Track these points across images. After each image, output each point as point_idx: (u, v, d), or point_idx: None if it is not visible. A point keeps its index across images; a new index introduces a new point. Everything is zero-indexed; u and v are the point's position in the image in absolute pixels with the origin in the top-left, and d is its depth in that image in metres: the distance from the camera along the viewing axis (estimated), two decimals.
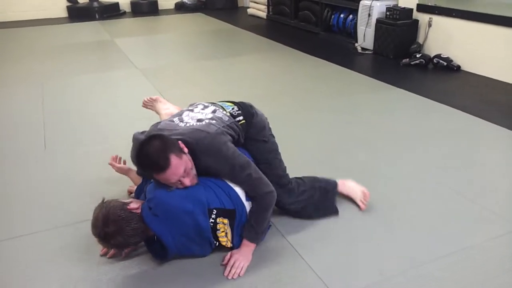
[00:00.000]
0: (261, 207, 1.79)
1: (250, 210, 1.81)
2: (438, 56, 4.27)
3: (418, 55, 4.35)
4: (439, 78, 4.04)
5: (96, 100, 3.65)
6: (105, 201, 1.71)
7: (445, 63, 4.20)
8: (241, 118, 1.96)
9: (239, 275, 1.69)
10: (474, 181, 2.31)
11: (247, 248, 1.78)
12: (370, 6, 4.75)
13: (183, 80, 4.10)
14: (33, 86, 3.97)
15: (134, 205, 1.69)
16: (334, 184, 2.10)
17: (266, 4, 7.13)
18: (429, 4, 4.45)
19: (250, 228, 1.78)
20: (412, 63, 4.33)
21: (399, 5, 4.65)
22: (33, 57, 5.03)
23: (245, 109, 2.01)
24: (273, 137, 2.07)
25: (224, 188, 1.77)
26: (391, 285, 1.62)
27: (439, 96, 3.50)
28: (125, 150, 2.70)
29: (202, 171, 1.77)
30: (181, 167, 1.65)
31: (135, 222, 1.65)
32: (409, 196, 2.18)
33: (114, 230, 1.61)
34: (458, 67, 4.17)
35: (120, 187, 2.32)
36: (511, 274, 1.67)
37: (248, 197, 1.81)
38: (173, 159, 1.62)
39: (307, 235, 1.90)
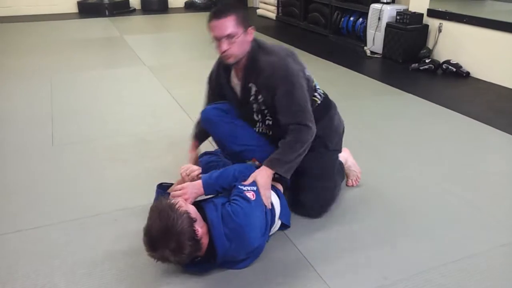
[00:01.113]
0: (294, 139, 1.81)
1: (280, 142, 1.83)
2: (447, 62, 4.25)
3: (427, 60, 4.33)
4: (448, 84, 4.02)
5: (104, 96, 3.66)
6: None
7: (454, 69, 4.18)
8: (318, 95, 1.99)
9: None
10: (481, 188, 2.30)
11: (265, 172, 1.78)
12: (381, 10, 4.74)
13: (191, 79, 4.11)
14: (42, 80, 3.99)
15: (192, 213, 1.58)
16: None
17: (276, 5, 7.13)
18: (440, 9, 4.43)
19: (274, 156, 1.81)
20: (421, 68, 4.31)
21: (409, 9, 4.63)
22: (42, 52, 5.05)
23: (326, 98, 2.05)
24: (337, 155, 2.13)
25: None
26: None
27: (448, 102, 3.49)
28: (132, 146, 2.74)
29: (261, 87, 1.84)
30: (230, 27, 1.75)
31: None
32: (414, 202, 2.17)
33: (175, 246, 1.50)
34: (468, 73, 4.15)
35: (126, 183, 2.32)
36: None
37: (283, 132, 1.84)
38: (232, 19, 1.76)
39: (315, 242, 1.88)
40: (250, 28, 1.84)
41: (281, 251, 1.79)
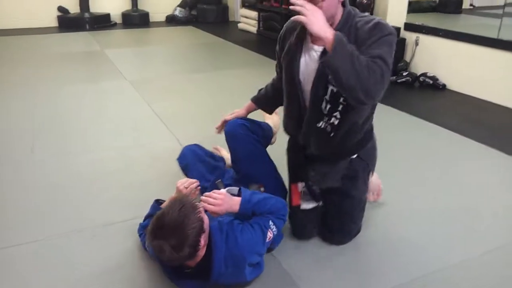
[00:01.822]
0: (369, 61, 1.46)
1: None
2: (424, 74, 4.35)
3: (404, 73, 4.42)
4: (425, 96, 4.11)
5: (85, 109, 3.64)
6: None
7: (431, 82, 4.28)
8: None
9: None
10: (458, 197, 2.35)
11: (325, 23, 1.47)
12: None
13: (172, 92, 4.12)
14: (23, 93, 3.95)
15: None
16: None
17: (257, 19, 7.21)
18: (417, 23, 4.55)
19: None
20: (399, 81, 4.40)
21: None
22: (23, 65, 5.01)
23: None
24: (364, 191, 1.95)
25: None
26: None
27: (425, 113, 3.56)
28: (113, 160, 2.73)
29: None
30: None
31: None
32: (392, 211, 2.20)
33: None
34: (444, 86, 4.25)
35: (106, 198, 2.31)
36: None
37: None
38: None
39: (300, 259, 1.88)
40: None
41: (266, 267, 1.75)
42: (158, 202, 1.92)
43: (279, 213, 1.73)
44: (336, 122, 1.73)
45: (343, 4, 1.65)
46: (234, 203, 1.68)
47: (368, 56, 1.48)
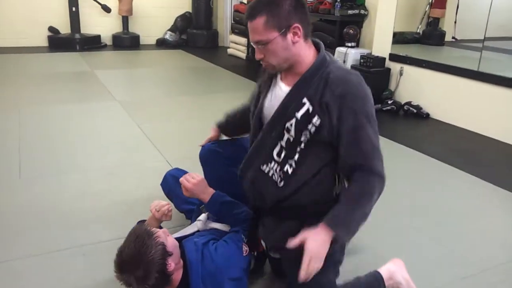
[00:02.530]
0: (362, 190, 1.40)
1: (343, 191, 1.48)
2: (408, 103, 4.48)
3: (389, 102, 4.55)
4: (409, 125, 4.23)
5: (73, 130, 3.65)
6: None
7: (415, 111, 4.40)
8: None
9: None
10: (441, 224, 2.41)
11: (324, 237, 1.34)
12: (345, 53, 4.97)
13: (161, 114, 4.16)
14: (10, 113, 3.95)
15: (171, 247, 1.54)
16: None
17: (246, 45, 7.34)
18: (401, 54, 4.70)
19: (335, 212, 1.38)
20: (384, 109, 4.52)
21: (372, 53, 4.88)
22: (11, 85, 5.01)
23: None
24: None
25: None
26: None
27: (409, 141, 3.66)
28: (101, 180, 2.74)
29: (323, 107, 1.42)
30: (258, 32, 1.39)
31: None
32: (376, 234, 2.25)
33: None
34: (427, 114, 4.38)
35: (95, 217, 2.31)
36: None
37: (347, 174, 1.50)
38: (261, 21, 1.39)
39: None
40: (292, 27, 1.41)
41: None
42: (141, 223, 1.92)
43: (244, 226, 1.73)
44: (290, 171, 1.52)
45: (317, 47, 1.52)
46: (207, 192, 1.76)
47: (353, 170, 1.41)
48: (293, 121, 1.47)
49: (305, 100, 1.45)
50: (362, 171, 1.42)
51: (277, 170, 1.54)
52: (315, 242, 1.34)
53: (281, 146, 1.52)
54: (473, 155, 3.47)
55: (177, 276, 1.55)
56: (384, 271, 1.64)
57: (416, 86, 4.54)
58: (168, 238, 1.57)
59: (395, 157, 3.36)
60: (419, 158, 3.35)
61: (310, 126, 1.45)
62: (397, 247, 2.17)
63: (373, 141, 1.43)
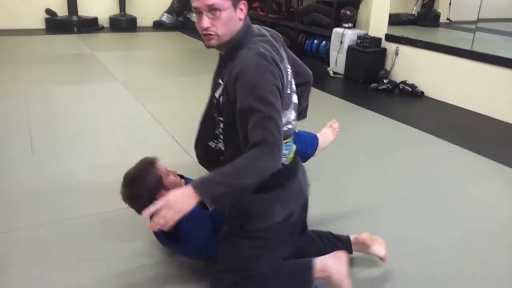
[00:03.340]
0: (246, 158, 1.31)
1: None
2: (403, 82, 4.61)
3: (385, 81, 4.68)
4: (404, 102, 4.37)
5: (79, 109, 3.76)
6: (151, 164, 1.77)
7: (410, 89, 4.54)
8: (290, 142, 1.55)
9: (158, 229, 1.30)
10: (433, 190, 2.57)
11: (186, 191, 1.28)
12: (343, 34, 5.08)
13: (163, 94, 4.27)
14: (15, 93, 4.04)
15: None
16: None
17: None
18: (397, 34, 4.82)
19: (208, 175, 1.34)
20: (380, 88, 4.65)
21: (369, 34, 5.00)
22: (13, 66, 5.08)
23: (290, 168, 1.57)
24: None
25: None
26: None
27: (404, 118, 3.81)
28: (112, 155, 2.87)
29: (227, 88, 1.42)
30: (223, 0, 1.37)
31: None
32: (374, 203, 2.41)
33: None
34: (422, 93, 4.52)
35: (111, 188, 2.45)
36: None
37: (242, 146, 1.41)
38: None
39: None
40: (241, 2, 1.44)
41: None
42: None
43: None
44: (223, 149, 1.56)
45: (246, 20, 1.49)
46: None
47: (246, 140, 1.34)
48: (215, 101, 1.51)
49: (220, 80, 1.49)
50: (252, 148, 1.32)
51: (220, 147, 1.59)
52: (173, 193, 1.28)
53: (218, 125, 1.54)
54: (465, 131, 3.64)
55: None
56: (319, 261, 1.60)
57: (411, 65, 4.67)
58: (170, 175, 1.76)
59: (390, 132, 3.51)
60: (413, 133, 3.50)
61: (220, 106, 1.48)
62: (387, 210, 2.33)
63: (263, 123, 1.32)
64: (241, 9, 1.44)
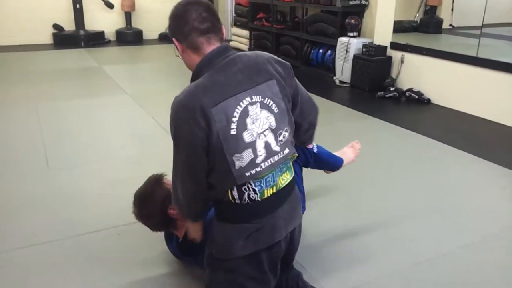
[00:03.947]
0: None
1: None
2: (410, 90, 4.65)
3: (392, 89, 4.71)
4: (411, 110, 4.40)
5: (91, 123, 3.82)
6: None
7: (416, 97, 4.57)
8: (262, 178, 1.46)
9: None
10: (444, 198, 2.60)
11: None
12: (348, 43, 5.14)
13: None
14: (27, 109, 4.11)
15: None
16: None
17: (248, 37, 7.49)
18: (402, 42, 4.87)
19: None
20: (387, 96, 4.69)
21: (374, 42, 5.05)
22: (23, 82, 5.16)
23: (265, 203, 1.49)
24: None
25: None
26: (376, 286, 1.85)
27: (412, 125, 3.84)
28: (126, 168, 2.91)
29: None
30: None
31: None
32: (385, 212, 2.44)
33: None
34: (428, 100, 4.55)
35: (126, 202, 2.49)
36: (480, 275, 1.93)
37: None
38: None
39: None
40: (174, 39, 1.51)
41: None
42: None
43: None
44: None
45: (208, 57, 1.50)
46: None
47: None
48: None
49: None
50: None
51: None
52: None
53: None
54: (473, 136, 3.66)
55: (183, 222, 1.74)
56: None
57: (417, 73, 4.71)
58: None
59: (399, 140, 3.54)
60: (422, 140, 3.53)
61: None
62: (401, 218, 2.35)
63: (175, 163, 1.52)
64: (181, 50, 1.52)
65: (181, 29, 1.47)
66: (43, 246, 2.09)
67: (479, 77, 4.11)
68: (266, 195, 1.46)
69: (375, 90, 4.83)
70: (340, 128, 3.79)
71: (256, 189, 1.44)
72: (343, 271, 1.94)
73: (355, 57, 5.08)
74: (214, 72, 1.45)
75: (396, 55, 4.91)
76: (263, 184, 1.45)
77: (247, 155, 1.41)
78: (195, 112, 1.38)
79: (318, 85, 5.25)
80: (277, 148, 1.46)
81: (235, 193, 1.44)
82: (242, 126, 1.40)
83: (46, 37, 7.82)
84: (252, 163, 1.42)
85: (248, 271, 1.49)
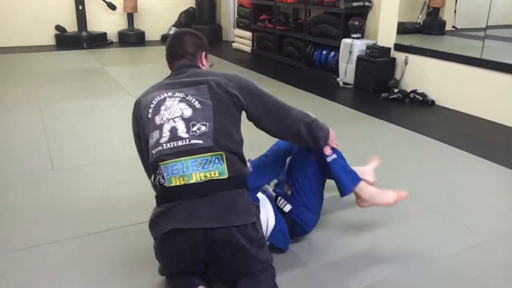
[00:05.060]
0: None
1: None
2: (414, 91, 4.64)
3: (395, 90, 4.71)
4: (415, 111, 4.39)
5: (95, 123, 3.82)
6: None
7: (420, 98, 4.57)
8: (169, 164, 1.64)
9: None
10: (449, 199, 2.59)
11: None
12: (351, 44, 5.13)
13: None
14: (31, 110, 4.11)
15: None
16: None
17: (251, 39, 7.49)
18: (405, 44, 4.86)
19: None
20: (390, 97, 4.68)
21: (378, 44, 5.04)
22: (26, 83, 5.16)
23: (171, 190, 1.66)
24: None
25: None
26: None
27: (416, 126, 3.83)
28: (130, 169, 2.90)
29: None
30: None
31: None
32: (390, 214, 2.42)
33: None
34: (433, 101, 4.54)
35: (131, 202, 2.49)
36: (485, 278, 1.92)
37: None
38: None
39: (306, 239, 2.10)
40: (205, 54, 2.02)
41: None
42: None
43: None
44: None
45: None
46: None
47: None
48: None
49: None
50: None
51: None
52: None
53: None
54: (478, 138, 3.65)
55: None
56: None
57: (421, 74, 4.70)
58: None
59: (403, 141, 3.53)
60: (427, 142, 3.51)
61: None
62: (406, 219, 2.34)
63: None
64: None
65: (169, 48, 2.06)
66: (48, 246, 2.07)
67: (483, 79, 4.11)
68: (174, 183, 1.60)
69: (379, 91, 4.82)
70: (343, 130, 3.77)
71: (164, 174, 1.62)
72: (347, 272, 1.92)
73: (359, 58, 5.07)
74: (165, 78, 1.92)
75: (400, 56, 4.91)
76: (169, 171, 1.61)
77: (155, 135, 1.68)
78: (135, 102, 1.89)
79: (322, 87, 5.24)
80: (184, 135, 1.65)
81: (153, 176, 1.69)
82: (156, 111, 1.72)
83: (49, 38, 7.82)
84: (157, 143, 1.66)
85: (162, 249, 1.68)
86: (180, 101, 1.72)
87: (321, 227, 2.23)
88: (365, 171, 2.38)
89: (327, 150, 1.96)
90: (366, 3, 5.28)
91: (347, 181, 1.98)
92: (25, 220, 2.29)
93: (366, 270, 1.94)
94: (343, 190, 1.99)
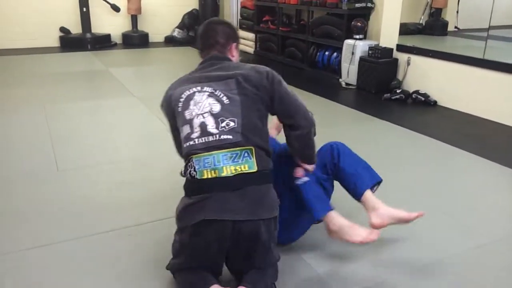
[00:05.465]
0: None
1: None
2: (416, 92, 4.65)
3: (398, 91, 4.72)
4: (418, 112, 4.40)
5: (99, 124, 3.85)
6: None
7: (423, 99, 4.58)
8: (200, 158, 1.68)
9: None
10: (453, 199, 2.60)
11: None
12: (354, 45, 5.15)
13: None
14: (35, 111, 4.14)
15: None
16: None
17: (254, 40, 7.51)
18: (408, 44, 4.87)
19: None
20: (393, 98, 4.69)
21: (380, 45, 5.06)
22: (31, 84, 5.20)
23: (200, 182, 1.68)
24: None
25: None
26: None
27: (418, 127, 3.84)
28: (134, 170, 2.93)
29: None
30: None
31: None
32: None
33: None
34: (435, 102, 4.55)
35: (135, 203, 2.51)
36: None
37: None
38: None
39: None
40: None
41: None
42: None
43: None
44: None
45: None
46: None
47: None
48: None
49: None
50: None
51: None
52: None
53: None
54: (481, 138, 3.66)
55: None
56: None
57: (423, 75, 4.71)
58: None
59: (406, 141, 3.54)
60: (430, 143, 3.53)
61: None
62: (416, 222, 2.35)
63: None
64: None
65: (200, 37, 1.98)
66: (53, 246, 2.10)
67: (486, 79, 4.11)
68: (205, 176, 1.63)
69: (381, 92, 4.83)
70: (346, 130, 3.79)
71: (196, 167, 1.65)
72: (349, 272, 1.94)
73: (361, 59, 5.09)
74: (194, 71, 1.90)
75: (402, 57, 4.92)
76: (201, 164, 1.64)
77: (186, 129, 1.72)
78: (166, 96, 1.90)
79: (324, 88, 5.26)
80: (214, 131, 1.68)
81: (183, 168, 1.72)
82: (186, 106, 1.75)
83: (53, 40, 7.88)
84: (188, 137, 1.70)
85: (189, 242, 1.67)
86: (209, 96, 1.73)
87: (324, 227, 2.25)
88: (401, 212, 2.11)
89: (299, 172, 1.90)
90: (369, 4, 5.29)
91: (317, 207, 1.89)
92: (30, 221, 2.32)
93: (368, 270, 1.96)
94: (312, 215, 1.91)
